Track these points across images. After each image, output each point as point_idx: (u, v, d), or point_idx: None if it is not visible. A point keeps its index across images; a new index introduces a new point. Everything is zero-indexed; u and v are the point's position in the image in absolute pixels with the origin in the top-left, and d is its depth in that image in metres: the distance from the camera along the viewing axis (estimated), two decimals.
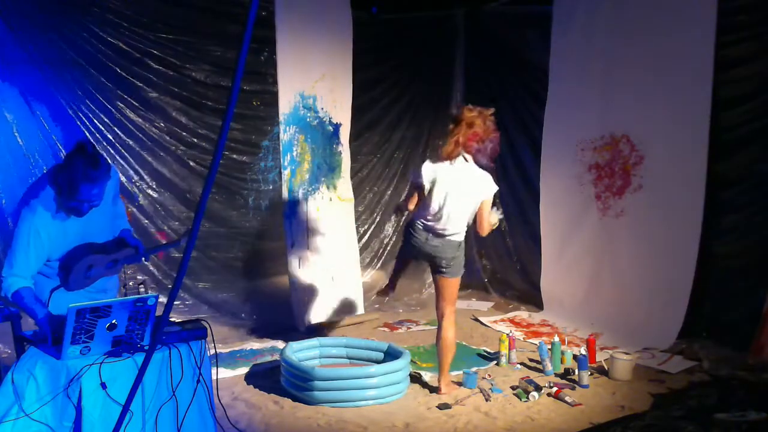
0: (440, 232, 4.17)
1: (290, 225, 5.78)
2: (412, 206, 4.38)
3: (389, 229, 7.51)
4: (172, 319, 2.95)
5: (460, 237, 4.22)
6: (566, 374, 4.64)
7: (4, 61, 5.10)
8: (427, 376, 4.64)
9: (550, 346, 4.76)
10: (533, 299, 6.45)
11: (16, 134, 5.14)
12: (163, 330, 2.74)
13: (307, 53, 5.84)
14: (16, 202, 4.51)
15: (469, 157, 4.13)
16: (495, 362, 4.92)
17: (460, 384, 4.44)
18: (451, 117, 4.46)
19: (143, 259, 3.46)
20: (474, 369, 4.78)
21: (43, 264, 3.09)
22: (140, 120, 6.11)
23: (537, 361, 4.81)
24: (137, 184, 6.19)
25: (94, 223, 3.20)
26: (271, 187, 6.70)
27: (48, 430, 2.64)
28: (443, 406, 4.11)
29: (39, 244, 3.00)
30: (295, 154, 5.81)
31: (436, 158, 4.26)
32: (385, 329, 5.83)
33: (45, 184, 3.08)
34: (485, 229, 4.22)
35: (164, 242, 5.50)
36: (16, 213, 3.08)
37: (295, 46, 5.73)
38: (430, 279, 7.28)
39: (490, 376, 4.62)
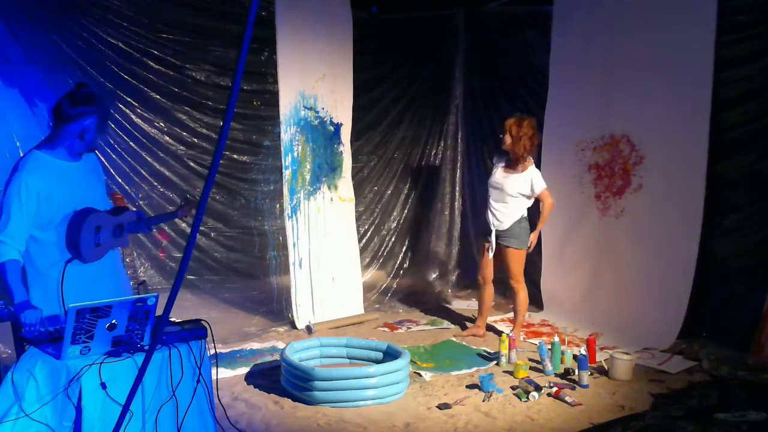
0: None
1: (291, 225, 5.78)
2: None
3: (389, 229, 7.52)
4: (171, 319, 2.95)
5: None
6: (566, 374, 4.64)
7: (4, 61, 5.10)
8: (428, 376, 4.64)
9: (550, 346, 4.76)
10: (533, 299, 6.42)
11: (15, 135, 5.14)
12: (163, 330, 2.74)
13: (308, 53, 5.85)
14: None
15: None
16: (495, 362, 4.92)
17: (476, 386, 4.44)
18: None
19: (146, 229, 3.49)
20: (474, 369, 4.80)
21: (36, 227, 3.03)
22: (140, 120, 6.12)
23: (537, 361, 4.81)
24: (137, 184, 6.19)
25: (88, 187, 3.20)
26: (272, 188, 6.71)
27: (48, 430, 2.63)
28: (443, 406, 4.11)
29: (29, 200, 2.97)
30: (296, 154, 5.81)
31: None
32: (385, 329, 5.83)
33: (31, 150, 3.09)
34: None
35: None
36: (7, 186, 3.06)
37: (295, 46, 5.73)
38: (432, 277, 7.36)
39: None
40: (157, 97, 6.15)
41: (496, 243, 5.29)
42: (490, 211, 5.32)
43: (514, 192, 5.20)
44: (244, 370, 4.71)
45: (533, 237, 5.29)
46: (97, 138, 3.14)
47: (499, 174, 5.31)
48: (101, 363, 2.65)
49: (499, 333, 5.49)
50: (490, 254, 5.34)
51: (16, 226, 2.97)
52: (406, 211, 7.56)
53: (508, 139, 5.20)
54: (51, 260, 3.10)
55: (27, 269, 3.09)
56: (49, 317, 3.00)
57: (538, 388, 4.27)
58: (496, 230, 5.28)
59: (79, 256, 3.11)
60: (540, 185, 5.22)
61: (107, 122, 3.26)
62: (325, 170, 6.07)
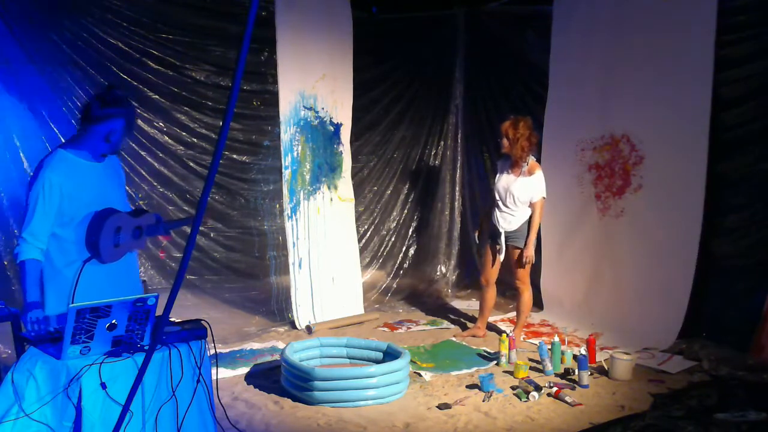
0: None
1: (291, 225, 5.78)
2: None
3: (389, 229, 7.52)
4: (171, 319, 2.95)
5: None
6: (566, 374, 4.64)
7: (4, 62, 5.10)
8: (428, 376, 4.64)
9: (550, 346, 4.76)
10: (533, 299, 6.45)
11: (15, 135, 5.14)
12: (163, 330, 2.74)
13: (308, 53, 5.85)
14: (17, 202, 4.49)
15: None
16: (495, 362, 4.92)
17: (476, 386, 4.44)
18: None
19: (164, 232, 3.49)
20: (474, 369, 4.80)
21: (57, 225, 3.04)
22: (140, 120, 6.11)
23: (537, 361, 4.81)
24: (137, 184, 6.19)
25: (109, 188, 3.21)
26: (271, 188, 6.70)
27: (48, 430, 2.63)
28: (443, 406, 4.11)
29: (52, 197, 2.98)
30: (295, 154, 5.81)
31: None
32: (385, 329, 5.84)
33: (56, 149, 3.11)
34: None
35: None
36: (30, 185, 3.06)
37: (295, 46, 5.73)
38: (432, 277, 7.35)
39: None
40: (157, 97, 6.14)
41: (505, 244, 5.27)
42: (498, 213, 5.28)
43: (524, 197, 5.18)
44: (244, 370, 4.71)
45: (528, 252, 5.17)
46: (122, 140, 3.16)
47: (505, 178, 5.27)
48: (101, 363, 2.65)
49: (500, 332, 5.49)
50: (501, 257, 5.31)
51: (39, 223, 2.99)
52: (405, 211, 7.56)
53: (506, 143, 5.19)
54: (69, 259, 3.10)
55: (44, 266, 3.09)
56: (61, 315, 2.99)
57: (538, 388, 4.27)
58: (505, 232, 5.26)
59: (98, 256, 3.10)
60: (538, 194, 5.18)
61: (134, 125, 3.27)
62: (325, 170, 6.07)
